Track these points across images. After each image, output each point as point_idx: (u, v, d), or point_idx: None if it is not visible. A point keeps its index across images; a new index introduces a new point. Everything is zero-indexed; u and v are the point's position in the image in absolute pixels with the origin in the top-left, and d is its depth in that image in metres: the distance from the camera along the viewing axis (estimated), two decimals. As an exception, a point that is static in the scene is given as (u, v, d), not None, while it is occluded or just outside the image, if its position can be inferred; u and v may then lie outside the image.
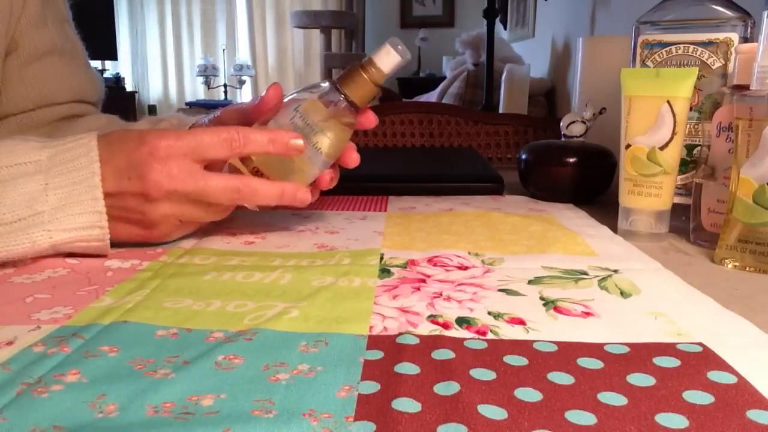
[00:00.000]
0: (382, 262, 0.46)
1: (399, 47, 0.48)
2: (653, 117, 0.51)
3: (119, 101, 4.30)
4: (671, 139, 0.51)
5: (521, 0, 3.19)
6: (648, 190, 0.53)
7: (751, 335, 0.34)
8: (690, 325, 0.35)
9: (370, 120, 0.52)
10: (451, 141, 1.52)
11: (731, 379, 0.28)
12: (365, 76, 0.48)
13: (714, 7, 0.56)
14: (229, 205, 0.51)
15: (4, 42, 0.63)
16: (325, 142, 0.50)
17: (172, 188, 0.46)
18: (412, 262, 0.46)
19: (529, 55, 2.88)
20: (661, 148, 0.52)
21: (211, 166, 0.49)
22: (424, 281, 0.42)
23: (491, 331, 0.34)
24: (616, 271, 0.44)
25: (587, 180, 0.70)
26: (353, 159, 0.53)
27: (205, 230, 0.56)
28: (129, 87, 5.09)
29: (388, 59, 0.48)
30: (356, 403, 0.26)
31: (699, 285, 0.42)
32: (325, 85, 0.50)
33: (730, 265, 0.47)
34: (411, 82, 4.26)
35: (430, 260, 0.47)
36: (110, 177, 0.46)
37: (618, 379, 0.28)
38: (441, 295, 0.40)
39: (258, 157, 0.50)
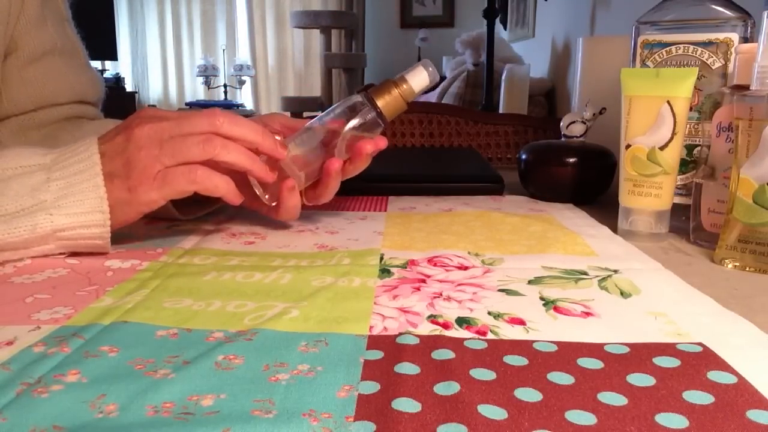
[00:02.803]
0: (382, 262, 0.46)
1: (430, 69, 0.51)
2: (653, 117, 0.51)
3: (119, 101, 4.29)
4: (671, 139, 0.51)
5: (521, 0, 3.19)
6: (648, 190, 0.53)
7: (751, 335, 0.34)
8: (690, 325, 0.35)
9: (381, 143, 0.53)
10: (451, 141, 1.52)
11: (731, 379, 0.28)
12: (397, 91, 0.51)
13: (714, 7, 0.56)
14: (204, 149, 0.47)
15: (3, 42, 0.63)
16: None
17: (155, 129, 0.46)
18: (412, 262, 0.46)
19: (529, 55, 2.88)
20: (661, 148, 0.52)
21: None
22: (424, 281, 0.42)
23: (491, 331, 0.34)
24: (616, 271, 0.44)
25: (587, 180, 0.70)
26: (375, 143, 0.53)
27: (206, 230, 0.56)
28: (129, 87, 5.08)
29: (420, 79, 0.51)
30: (356, 403, 0.26)
31: (699, 285, 0.42)
32: (357, 97, 0.52)
33: (730, 265, 0.47)
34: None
35: (430, 260, 0.47)
36: (102, 144, 0.47)
37: (618, 379, 0.28)
38: (441, 295, 0.40)
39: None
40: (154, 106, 5.09)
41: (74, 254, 0.48)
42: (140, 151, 0.46)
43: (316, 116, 0.54)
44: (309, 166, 0.53)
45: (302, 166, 0.52)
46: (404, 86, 0.51)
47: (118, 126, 0.48)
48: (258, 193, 0.52)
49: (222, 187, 0.48)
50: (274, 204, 0.54)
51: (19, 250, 0.45)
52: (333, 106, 0.54)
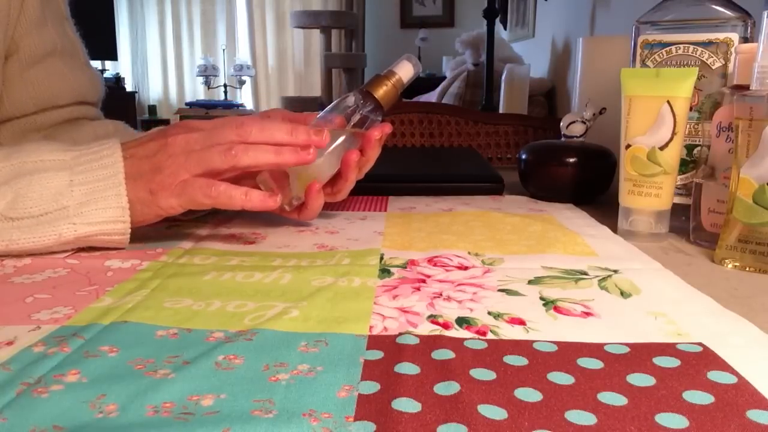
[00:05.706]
0: (382, 262, 0.46)
1: (414, 60, 0.57)
2: (653, 117, 0.51)
3: (119, 101, 4.29)
4: (671, 139, 0.51)
5: (521, 0, 3.19)
6: (648, 190, 0.53)
7: (751, 335, 0.34)
8: (690, 325, 0.35)
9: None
10: (451, 141, 1.52)
11: (731, 379, 0.28)
12: (390, 83, 0.56)
13: (714, 7, 0.56)
14: (226, 161, 0.47)
15: (3, 44, 0.62)
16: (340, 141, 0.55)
17: (186, 139, 0.48)
18: (412, 262, 0.46)
19: (529, 55, 2.87)
20: (661, 148, 0.52)
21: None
22: (424, 281, 0.42)
23: (491, 331, 0.34)
24: (616, 271, 0.44)
25: (587, 180, 0.70)
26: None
27: (206, 230, 0.56)
28: (129, 87, 5.08)
29: (406, 70, 0.56)
30: (356, 403, 0.26)
31: (699, 285, 0.42)
32: (353, 94, 0.56)
33: (730, 265, 0.47)
34: (411, 82, 4.26)
35: (430, 260, 0.47)
36: (132, 147, 0.48)
37: (618, 379, 0.28)
38: (441, 295, 0.40)
39: None
40: (154, 106, 5.10)
41: (74, 254, 0.48)
42: (168, 158, 0.47)
43: (316, 114, 0.56)
44: (329, 163, 0.54)
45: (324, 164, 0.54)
46: (395, 78, 0.56)
47: (152, 132, 0.50)
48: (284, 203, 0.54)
49: (238, 201, 0.48)
50: (291, 208, 0.55)
51: (42, 252, 0.47)
52: (330, 106, 0.55)
